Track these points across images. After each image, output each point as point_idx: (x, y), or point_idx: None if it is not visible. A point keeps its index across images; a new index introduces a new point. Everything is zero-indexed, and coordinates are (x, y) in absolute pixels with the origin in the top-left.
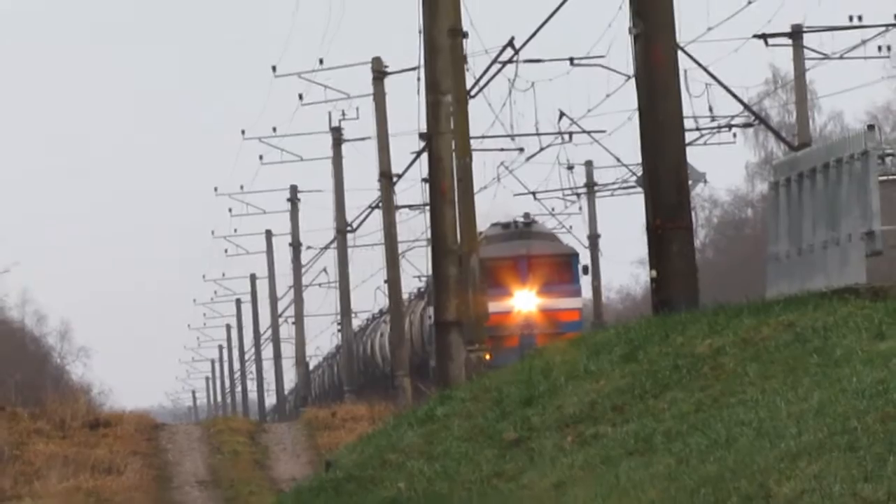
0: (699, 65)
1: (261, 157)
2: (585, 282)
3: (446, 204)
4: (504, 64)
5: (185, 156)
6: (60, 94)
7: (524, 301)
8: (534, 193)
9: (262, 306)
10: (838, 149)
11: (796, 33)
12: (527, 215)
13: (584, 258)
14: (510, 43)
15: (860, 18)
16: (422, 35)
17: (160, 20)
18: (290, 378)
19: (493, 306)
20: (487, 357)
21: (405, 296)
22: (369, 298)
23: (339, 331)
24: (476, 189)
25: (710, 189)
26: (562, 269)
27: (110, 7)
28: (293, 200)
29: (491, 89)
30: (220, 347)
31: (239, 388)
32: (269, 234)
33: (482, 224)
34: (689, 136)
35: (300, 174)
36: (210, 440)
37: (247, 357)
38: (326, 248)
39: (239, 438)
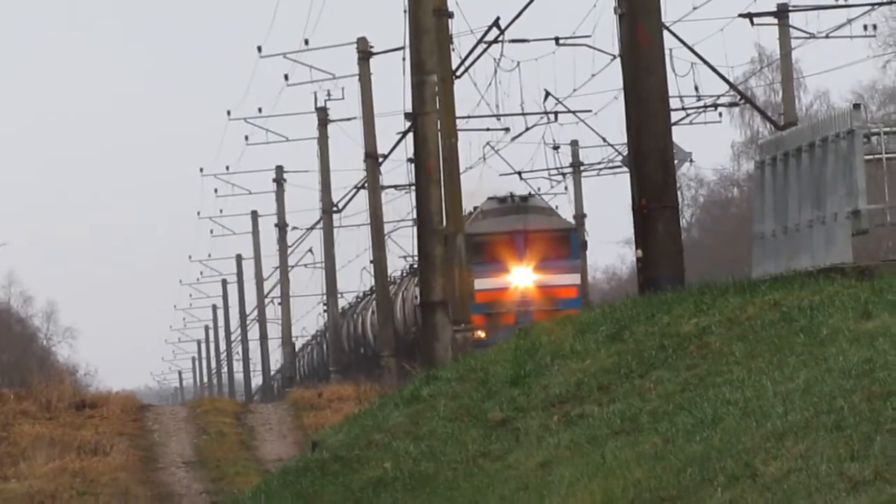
0: (685, 44)
1: (246, 138)
2: None
3: (432, 184)
4: (489, 44)
5: (170, 137)
6: (44, 77)
7: (521, 277)
8: (519, 173)
9: (248, 287)
10: (824, 128)
11: (782, 12)
12: (511, 195)
13: None
14: (496, 23)
15: None
16: (407, 15)
17: (144, 1)
18: (276, 359)
19: (489, 282)
20: (482, 335)
21: (396, 274)
22: (355, 279)
23: (325, 311)
24: (462, 169)
25: (696, 168)
26: (559, 244)
27: None
28: (279, 181)
29: (476, 69)
30: (207, 328)
31: (225, 369)
32: (254, 214)
33: (468, 203)
34: (674, 116)
35: (286, 155)
36: (196, 421)
37: (233, 338)
38: (312, 228)
39: (225, 419)
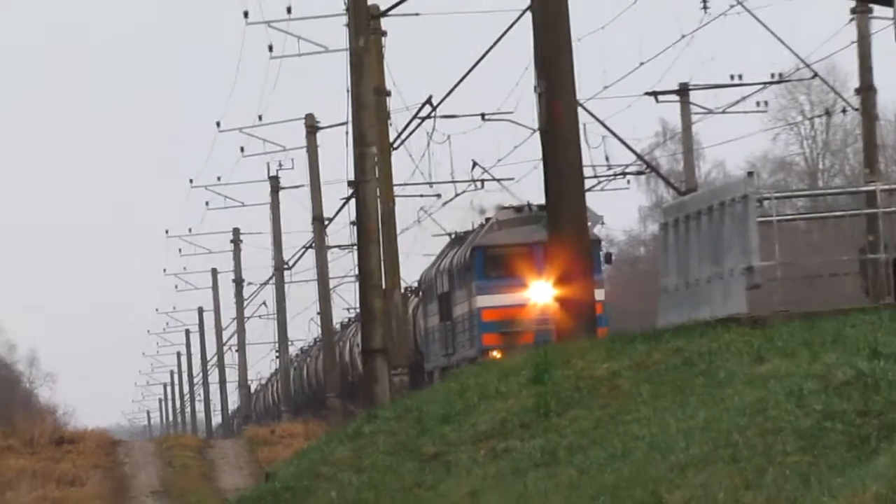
0: (597, 119)
1: (207, 203)
2: None
3: (372, 244)
4: (423, 119)
5: (140, 200)
6: (22, 137)
7: (540, 293)
8: (451, 234)
9: (208, 336)
10: (721, 193)
11: (683, 90)
12: (528, 203)
13: None
14: (428, 100)
15: (741, 77)
16: (350, 94)
17: (115, 76)
18: (234, 400)
19: (506, 298)
20: (498, 356)
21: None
22: (304, 328)
23: (277, 357)
24: (399, 231)
25: (607, 230)
26: None
27: (63, 64)
28: (236, 241)
29: (411, 141)
30: (172, 373)
31: (188, 409)
32: (214, 271)
33: (404, 261)
34: (588, 183)
35: (242, 218)
36: (163, 455)
37: (195, 381)
38: (266, 283)
39: (188, 453)
